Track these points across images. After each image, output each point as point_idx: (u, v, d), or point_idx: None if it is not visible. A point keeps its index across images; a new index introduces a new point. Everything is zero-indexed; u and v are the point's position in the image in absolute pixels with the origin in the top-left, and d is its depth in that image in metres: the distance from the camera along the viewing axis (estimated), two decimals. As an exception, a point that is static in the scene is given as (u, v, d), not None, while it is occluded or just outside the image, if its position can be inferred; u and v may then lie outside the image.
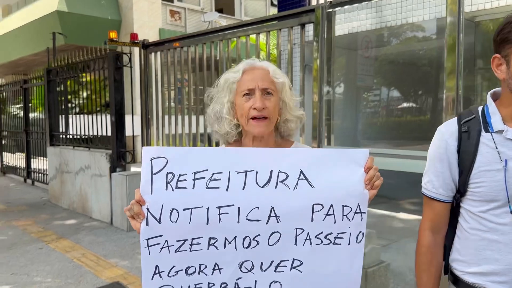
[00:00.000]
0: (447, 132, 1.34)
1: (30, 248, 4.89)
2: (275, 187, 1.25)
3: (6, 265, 4.36)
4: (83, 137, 6.75)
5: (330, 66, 3.45)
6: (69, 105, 7.37)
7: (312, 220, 1.28)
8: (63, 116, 7.39)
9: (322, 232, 1.30)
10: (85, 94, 6.87)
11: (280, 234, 1.28)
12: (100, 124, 6.23)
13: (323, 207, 1.27)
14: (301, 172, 1.26)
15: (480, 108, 1.33)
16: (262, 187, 1.25)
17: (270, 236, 1.28)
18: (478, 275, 1.30)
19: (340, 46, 7.27)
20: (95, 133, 6.41)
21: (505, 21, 1.22)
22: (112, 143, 5.93)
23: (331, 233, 1.30)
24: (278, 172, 1.25)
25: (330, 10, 3.37)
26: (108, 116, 6.01)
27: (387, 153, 3.32)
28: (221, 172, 1.23)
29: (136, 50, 5.76)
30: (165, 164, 1.22)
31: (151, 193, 1.21)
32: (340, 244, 1.31)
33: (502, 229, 1.25)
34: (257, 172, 1.24)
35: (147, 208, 1.22)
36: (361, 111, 8.42)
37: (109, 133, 6.02)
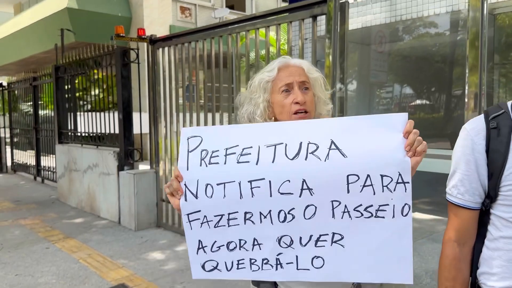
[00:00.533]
0: (473, 130, 1.20)
1: (36, 248, 4.81)
2: (305, 159, 1.21)
3: (11, 265, 4.28)
4: (91, 134, 6.67)
5: (343, 62, 3.28)
6: (78, 102, 7.30)
7: (348, 191, 1.20)
8: (72, 113, 7.32)
9: (361, 205, 1.21)
10: (93, 92, 6.79)
11: (316, 207, 1.23)
12: (108, 122, 6.13)
13: (359, 178, 1.19)
14: (332, 141, 1.21)
15: (510, 103, 1.17)
16: (292, 159, 1.22)
17: (305, 210, 1.24)
18: None
19: (353, 40, 7.08)
20: (103, 131, 6.32)
21: None
22: (119, 141, 5.83)
23: (371, 205, 1.21)
24: (308, 144, 1.22)
25: (344, 1, 3.20)
26: (116, 114, 5.92)
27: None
28: (251, 147, 1.26)
29: (144, 46, 5.64)
30: (200, 142, 1.30)
31: (187, 169, 1.30)
32: (383, 218, 1.21)
33: None
34: (286, 144, 1.23)
35: (185, 184, 1.29)
36: (374, 108, 8.21)
37: (117, 131, 5.93)
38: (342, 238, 1.24)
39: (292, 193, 1.22)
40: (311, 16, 3.46)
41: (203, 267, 1.34)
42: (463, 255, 1.26)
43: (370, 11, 6.15)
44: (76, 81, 7.12)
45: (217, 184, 1.27)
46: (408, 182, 1.18)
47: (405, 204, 1.19)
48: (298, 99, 1.38)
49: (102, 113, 6.30)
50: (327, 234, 1.25)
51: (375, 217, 1.21)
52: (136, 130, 5.82)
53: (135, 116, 5.86)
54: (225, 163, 1.26)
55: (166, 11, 13.90)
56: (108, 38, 5.60)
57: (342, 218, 1.23)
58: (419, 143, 1.17)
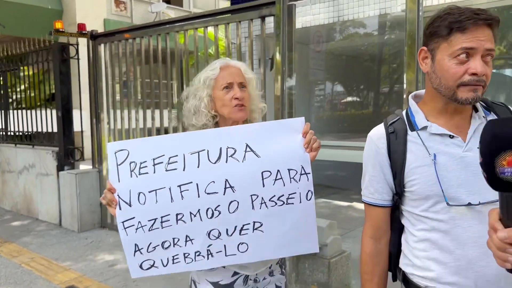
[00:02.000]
0: (375, 136, 1.35)
1: (-29, 254, 4.53)
2: (226, 162, 1.41)
3: None
4: (26, 133, 6.33)
5: (291, 61, 3.44)
6: (10, 99, 6.88)
7: (263, 186, 1.42)
8: (3, 111, 6.89)
9: (274, 195, 1.43)
10: (27, 88, 6.44)
11: (238, 202, 1.42)
12: (45, 120, 5.86)
13: (271, 173, 1.42)
14: (247, 145, 1.42)
15: (404, 111, 1.35)
16: (214, 163, 1.41)
17: (229, 205, 1.42)
18: (428, 278, 1.26)
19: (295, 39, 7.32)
20: (39, 130, 6.02)
21: (436, 15, 1.21)
22: (59, 139, 5.60)
23: (283, 195, 1.43)
24: (227, 148, 1.41)
25: (291, 3, 3.36)
26: (54, 111, 5.68)
27: (337, 145, 3.38)
28: (177, 155, 1.41)
29: (82, 41, 5.45)
30: (127, 155, 1.41)
31: (119, 181, 1.40)
32: (292, 204, 1.44)
33: (445, 226, 1.22)
34: (208, 150, 1.41)
35: (118, 195, 1.40)
36: (313, 105, 8.54)
37: (55, 129, 5.69)
38: (262, 225, 1.45)
39: (217, 192, 1.40)
40: (260, 16, 3.59)
41: (140, 266, 1.46)
42: (379, 249, 1.38)
43: (309, 11, 6.40)
44: (8, 77, 6.71)
45: (149, 192, 1.40)
46: (309, 173, 1.43)
47: (309, 190, 1.44)
48: (237, 95, 1.57)
49: (38, 111, 6.00)
50: (249, 223, 1.44)
51: (286, 204, 1.44)
52: (76, 128, 5.62)
53: (75, 113, 5.66)
54: (154, 172, 1.39)
55: (100, 5, 13.40)
56: (38, 32, 5.35)
57: (260, 208, 1.43)
58: (314, 141, 1.44)
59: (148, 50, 4.67)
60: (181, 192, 1.40)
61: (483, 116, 1.26)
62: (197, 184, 1.40)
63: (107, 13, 13.72)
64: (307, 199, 1.45)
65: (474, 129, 1.23)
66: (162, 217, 1.41)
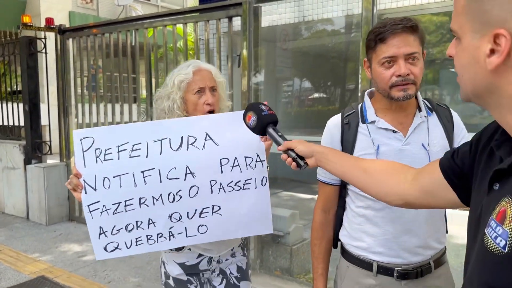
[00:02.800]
0: (332, 124, 1.56)
1: None
2: (187, 149, 1.50)
3: None
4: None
5: (257, 58, 3.64)
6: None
7: (222, 172, 1.53)
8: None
9: (232, 181, 1.54)
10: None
11: (198, 187, 1.52)
12: (11, 114, 5.83)
13: (229, 161, 1.53)
14: (207, 134, 1.51)
15: (360, 105, 1.56)
16: (176, 150, 1.49)
17: (189, 190, 1.52)
18: (361, 248, 1.49)
19: (261, 38, 7.51)
20: (5, 123, 5.98)
21: (370, 30, 1.43)
22: (26, 133, 5.60)
23: (240, 180, 1.55)
24: (188, 137, 1.50)
25: (257, 5, 3.55)
26: (20, 105, 5.66)
27: (304, 140, 3.60)
28: (140, 143, 1.48)
29: (50, 35, 5.46)
30: (93, 142, 1.47)
31: (85, 166, 1.47)
32: (249, 189, 1.57)
33: (378, 206, 1.43)
34: (170, 139, 1.49)
35: (84, 180, 1.47)
36: (280, 100, 8.77)
37: (22, 123, 5.68)
38: (220, 208, 1.57)
39: (178, 178, 1.50)
40: (227, 16, 3.76)
41: (105, 249, 1.52)
42: (328, 219, 1.60)
43: (276, 10, 6.62)
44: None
45: (113, 177, 1.47)
46: (264, 160, 1.56)
47: (263, 177, 1.57)
48: (209, 101, 1.67)
49: (4, 104, 5.96)
50: (208, 207, 1.56)
51: (243, 189, 1.56)
52: (44, 122, 5.64)
53: (43, 107, 5.67)
54: (118, 159, 1.47)
55: (65, -3, 13.15)
56: (3, 25, 5.31)
57: (219, 193, 1.55)
58: None
59: (116, 45, 4.76)
60: (144, 177, 1.47)
61: (425, 116, 1.48)
62: (159, 170, 1.48)
63: (72, 6, 13.46)
64: (262, 184, 1.57)
65: (415, 127, 1.44)
66: (125, 201, 1.48)
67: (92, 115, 5.19)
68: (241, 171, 1.54)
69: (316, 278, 1.63)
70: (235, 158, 1.53)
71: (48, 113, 5.52)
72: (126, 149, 1.47)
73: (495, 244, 0.67)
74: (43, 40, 5.39)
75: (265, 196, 1.59)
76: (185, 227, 1.56)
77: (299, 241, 3.80)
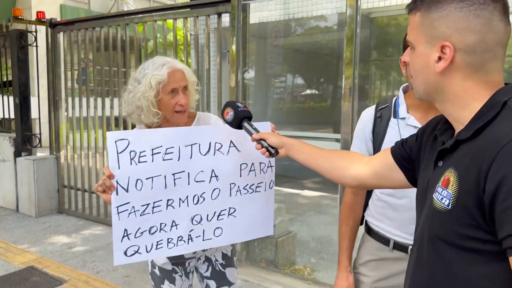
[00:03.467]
0: (365, 117, 1.68)
1: None
2: (214, 154, 1.62)
3: None
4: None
5: (245, 55, 3.72)
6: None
7: (240, 176, 1.67)
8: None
9: (247, 184, 1.69)
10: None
11: (220, 190, 1.66)
12: (1, 106, 5.85)
13: (247, 165, 1.68)
14: (231, 141, 1.64)
15: (394, 99, 1.65)
16: (204, 155, 1.61)
17: (212, 192, 1.65)
18: (381, 228, 1.66)
19: (251, 34, 7.59)
20: (-5, 116, 6.00)
21: None
22: (16, 126, 5.62)
23: (254, 184, 1.71)
24: (215, 143, 1.62)
25: (246, 2, 3.62)
26: (11, 98, 5.68)
27: (294, 135, 3.68)
28: (173, 147, 1.56)
29: (40, 29, 5.48)
30: (128, 144, 1.50)
31: (119, 168, 1.50)
32: (259, 191, 1.73)
33: (397, 194, 1.58)
34: (199, 144, 1.60)
35: (116, 181, 1.51)
36: (270, 97, 8.85)
37: (12, 116, 5.70)
38: (235, 210, 1.70)
39: (204, 180, 1.62)
40: (216, 13, 3.83)
41: (125, 253, 1.56)
42: (357, 201, 1.74)
43: (266, 7, 6.69)
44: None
45: (146, 179, 1.54)
46: (273, 166, 1.72)
47: (271, 180, 1.74)
48: (181, 102, 1.73)
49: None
50: (226, 209, 1.68)
51: (255, 192, 1.71)
52: (35, 115, 5.66)
53: (34, 100, 5.69)
54: (152, 161, 1.53)
55: (56, -10, 13.07)
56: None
57: (236, 195, 1.68)
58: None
59: (107, 39, 4.80)
60: (174, 179, 1.56)
61: None
62: (188, 173, 1.58)
63: (64, -1, 13.41)
64: (269, 187, 1.74)
65: None
66: (154, 202, 1.56)
67: (82, 108, 5.24)
68: (255, 175, 1.69)
69: (341, 253, 1.77)
70: (252, 163, 1.67)
71: (39, 106, 5.56)
72: (160, 152, 1.54)
73: (441, 204, 0.87)
74: (34, 33, 5.41)
75: (271, 198, 1.77)
76: (203, 230, 1.66)
77: (284, 233, 3.90)
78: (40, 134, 5.69)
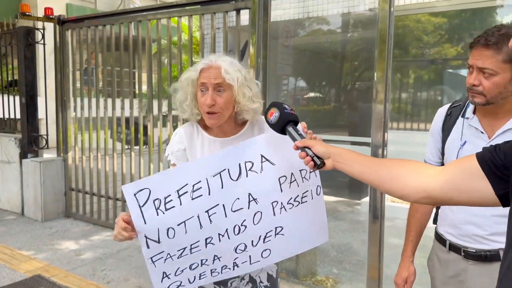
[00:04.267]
0: (439, 113, 1.71)
1: None
2: (246, 176, 1.42)
3: None
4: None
5: (266, 56, 3.52)
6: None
7: (281, 191, 1.45)
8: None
9: (291, 197, 1.48)
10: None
11: (261, 212, 1.45)
12: (7, 106, 5.67)
13: (286, 178, 1.45)
14: (262, 156, 1.43)
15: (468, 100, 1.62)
16: (236, 180, 1.41)
17: (254, 217, 1.45)
18: (440, 227, 1.70)
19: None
20: (0, 116, 5.82)
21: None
22: (22, 127, 5.44)
23: (298, 195, 1.49)
24: (245, 163, 1.42)
25: (267, -3, 3.43)
26: (17, 97, 5.50)
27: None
28: (200, 181, 1.38)
29: (49, 26, 5.30)
30: (149, 194, 1.35)
31: (145, 223, 1.35)
32: (306, 202, 1.50)
33: None
34: (228, 169, 1.40)
35: (145, 235, 1.36)
36: (280, 99, 8.65)
37: (19, 116, 5.52)
38: (283, 228, 1.49)
39: (242, 208, 1.42)
40: (235, 9, 3.64)
41: None
42: (425, 207, 1.74)
43: (280, 6, 6.49)
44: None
45: (178, 225, 1.38)
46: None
47: (317, 186, 1.52)
48: (207, 101, 1.53)
49: (0, 96, 5.79)
50: (271, 230, 1.48)
51: (301, 203, 1.49)
52: (41, 115, 5.48)
53: (40, 100, 5.50)
54: (181, 204, 1.36)
55: (62, -12, 12.92)
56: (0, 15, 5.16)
57: (280, 213, 1.47)
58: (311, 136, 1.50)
59: (118, 38, 4.61)
60: (209, 216, 1.39)
61: None
62: (223, 205, 1.40)
63: (69, -2, 13.25)
64: (317, 194, 1.52)
65: (503, 131, 1.49)
66: (191, 244, 1.41)
67: (91, 109, 5.06)
68: (298, 186, 1.47)
69: (405, 243, 1.79)
70: (292, 173, 1.45)
71: (46, 106, 5.37)
72: (186, 192, 1.37)
73: None
74: (41, 30, 5.22)
75: (321, 205, 1.56)
76: (249, 256, 1.50)
77: (305, 242, 3.68)
78: (47, 135, 5.50)
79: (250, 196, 1.42)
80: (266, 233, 1.48)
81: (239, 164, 1.41)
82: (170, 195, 1.36)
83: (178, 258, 1.42)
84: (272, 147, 1.44)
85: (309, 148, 1.26)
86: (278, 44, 8.16)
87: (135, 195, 1.34)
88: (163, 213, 1.35)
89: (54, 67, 5.29)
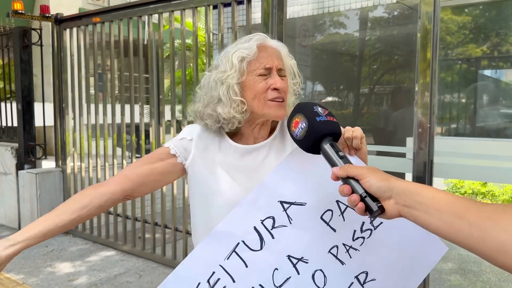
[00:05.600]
0: None
1: None
2: (272, 237, 1.04)
3: None
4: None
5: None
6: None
7: (334, 231, 1.05)
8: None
9: (355, 231, 1.07)
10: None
11: (322, 270, 1.05)
12: (4, 113, 5.28)
13: (332, 211, 1.05)
14: (281, 203, 1.05)
15: None
16: (260, 250, 1.04)
17: (314, 279, 1.04)
18: None
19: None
20: (-3, 124, 5.44)
21: None
22: (18, 135, 5.03)
23: (363, 222, 1.07)
24: (262, 222, 1.04)
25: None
26: (14, 104, 5.11)
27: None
28: (214, 272, 1.04)
29: (48, 27, 4.89)
30: None
31: None
32: (381, 223, 1.08)
33: None
34: (243, 241, 1.04)
35: None
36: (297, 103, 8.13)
37: (15, 124, 5.12)
38: (367, 273, 1.07)
39: (290, 276, 1.04)
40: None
41: None
42: None
43: (297, 1, 5.97)
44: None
45: None
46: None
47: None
48: (277, 85, 1.18)
49: (-4, 103, 5.42)
50: (353, 283, 1.07)
51: (374, 229, 1.08)
52: (39, 123, 5.07)
53: (38, 107, 5.10)
54: None
55: (75, -8, 12.68)
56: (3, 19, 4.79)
57: (351, 257, 1.06)
58: (350, 141, 1.11)
59: (118, 39, 4.16)
60: None
61: None
62: (260, 285, 1.03)
63: (82, 2, 13.00)
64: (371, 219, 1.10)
65: None
66: None
67: (90, 115, 4.61)
68: (344, 220, 1.07)
69: None
70: (337, 201, 1.06)
71: (43, 113, 4.96)
72: (219, 279, 1.03)
73: None
74: (38, 31, 4.81)
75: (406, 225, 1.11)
76: None
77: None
78: (44, 144, 5.08)
79: (290, 258, 1.04)
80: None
81: (254, 226, 1.04)
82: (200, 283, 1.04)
83: None
84: (293, 180, 1.05)
85: (357, 181, 0.83)
86: (296, 44, 7.64)
87: None
88: None
89: (52, 70, 4.87)
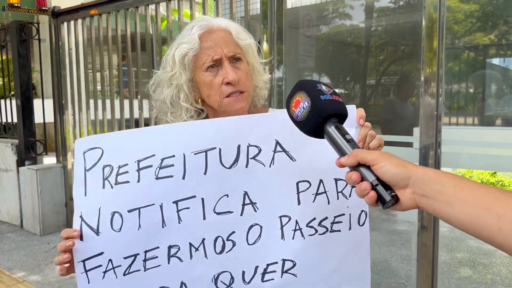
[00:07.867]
0: None
1: None
2: (246, 166, 0.96)
3: None
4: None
5: (281, 48, 2.93)
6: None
7: (299, 203, 0.98)
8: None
9: (314, 218, 0.99)
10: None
11: (261, 227, 0.98)
12: (4, 110, 5.23)
13: (310, 185, 0.99)
14: (277, 142, 0.98)
15: None
16: (230, 168, 0.96)
17: (248, 232, 0.97)
18: None
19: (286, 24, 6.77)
20: (-2, 120, 5.40)
21: None
22: (18, 131, 4.98)
23: (326, 217, 1.00)
24: (248, 147, 0.96)
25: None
26: (13, 100, 5.05)
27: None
28: (173, 156, 0.93)
29: (46, 20, 4.81)
30: (101, 156, 0.93)
31: (85, 195, 0.92)
32: (339, 231, 1.01)
33: None
34: (220, 149, 0.95)
35: (81, 216, 0.91)
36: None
37: (15, 120, 5.07)
38: (294, 265, 0.99)
39: (232, 211, 0.96)
40: (244, -13, 3.03)
41: None
42: None
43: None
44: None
45: (129, 211, 0.91)
46: None
47: (362, 211, 1.03)
48: (229, 79, 1.07)
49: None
50: (276, 263, 0.98)
51: (330, 232, 1.01)
52: (39, 118, 5.01)
53: (37, 102, 5.04)
54: (138, 181, 0.91)
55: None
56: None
57: (293, 238, 0.98)
58: (371, 138, 0.97)
59: (116, 33, 4.07)
60: (178, 211, 0.93)
61: None
62: (202, 199, 0.94)
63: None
64: (359, 224, 1.02)
65: None
66: (146, 252, 0.93)
67: (89, 111, 4.54)
68: (329, 202, 1.00)
69: None
70: (321, 181, 0.99)
71: (43, 109, 4.90)
72: (151, 166, 0.92)
73: None
74: (36, 25, 4.74)
75: (363, 242, 1.04)
76: None
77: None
78: (45, 139, 5.03)
79: (246, 196, 0.96)
80: (267, 265, 0.98)
81: (238, 146, 0.95)
82: (127, 164, 0.92)
83: (124, 274, 0.92)
84: (297, 135, 0.91)
85: (369, 168, 0.73)
86: (299, 34, 7.51)
87: (84, 153, 0.93)
88: (111, 187, 0.91)
89: (51, 65, 4.79)
